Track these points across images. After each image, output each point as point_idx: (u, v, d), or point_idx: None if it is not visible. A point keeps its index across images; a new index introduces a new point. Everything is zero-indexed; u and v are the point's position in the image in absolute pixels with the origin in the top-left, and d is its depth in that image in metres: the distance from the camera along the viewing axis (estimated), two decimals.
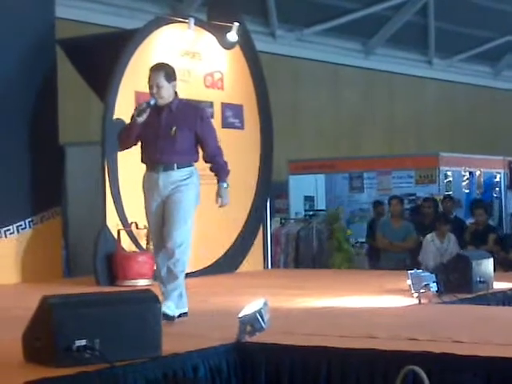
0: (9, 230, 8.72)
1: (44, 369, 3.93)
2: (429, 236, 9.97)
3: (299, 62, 16.91)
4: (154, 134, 5.90)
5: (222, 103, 9.92)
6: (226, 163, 6.15)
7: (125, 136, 6.01)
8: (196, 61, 9.66)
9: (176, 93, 6.00)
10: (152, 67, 6.05)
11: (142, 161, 6.05)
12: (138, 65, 8.78)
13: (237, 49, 10.04)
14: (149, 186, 5.95)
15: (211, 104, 9.77)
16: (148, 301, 4.37)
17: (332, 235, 11.94)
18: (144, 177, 6.04)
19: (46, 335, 4.02)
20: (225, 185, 6.10)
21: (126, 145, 6.07)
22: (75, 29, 11.00)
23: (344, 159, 14.27)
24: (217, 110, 9.85)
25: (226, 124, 9.95)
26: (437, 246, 9.84)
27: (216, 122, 9.80)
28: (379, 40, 18.10)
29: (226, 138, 9.85)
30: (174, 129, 5.89)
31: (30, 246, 8.87)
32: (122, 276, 8.34)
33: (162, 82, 5.91)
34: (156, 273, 6.16)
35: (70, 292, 5.13)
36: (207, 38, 9.77)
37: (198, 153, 6.04)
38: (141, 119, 5.85)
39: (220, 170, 6.11)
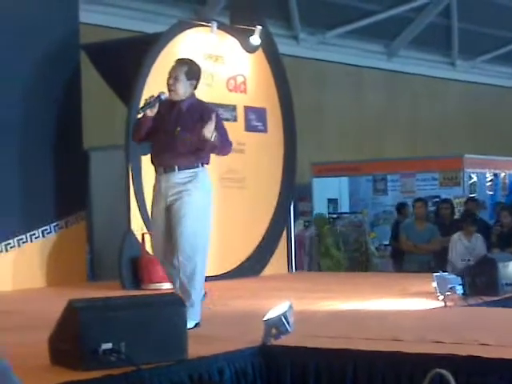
0: (34, 234, 8.77)
1: (70, 372, 3.95)
2: (456, 235, 9.91)
3: (322, 64, 16.89)
4: (161, 132, 5.73)
5: (245, 106, 9.93)
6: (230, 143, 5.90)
7: (136, 129, 5.84)
8: (219, 64, 9.67)
9: (194, 93, 5.82)
10: (178, 59, 5.92)
11: (151, 160, 5.86)
12: (161, 69, 8.78)
13: (259, 52, 10.04)
14: (155, 189, 5.80)
15: (234, 107, 9.79)
16: (174, 304, 4.37)
17: (320, 240, 11.92)
18: (155, 178, 5.87)
19: (72, 338, 4.04)
20: (213, 121, 5.61)
21: (137, 138, 5.87)
22: (99, 34, 11.05)
23: (368, 162, 14.22)
24: (240, 113, 9.86)
25: (249, 127, 9.96)
26: (465, 245, 9.78)
27: (239, 125, 9.83)
28: (402, 42, 18.05)
29: (249, 141, 9.89)
30: (178, 129, 5.70)
31: (55, 251, 8.91)
32: (146, 280, 8.36)
33: (182, 76, 5.74)
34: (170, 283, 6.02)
35: (95, 296, 5.15)
36: (230, 42, 9.79)
37: (207, 155, 5.81)
38: (149, 113, 5.65)
39: (223, 140, 5.76)
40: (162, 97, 5.70)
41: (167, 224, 5.71)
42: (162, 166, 5.72)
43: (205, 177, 5.77)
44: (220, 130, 5.80)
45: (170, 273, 5.81)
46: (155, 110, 5.69)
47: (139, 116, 5.82)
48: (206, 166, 5.81)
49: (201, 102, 5.95)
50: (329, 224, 12.34)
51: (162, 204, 5.72)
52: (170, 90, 5.75)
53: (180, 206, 5.64)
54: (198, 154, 5.73)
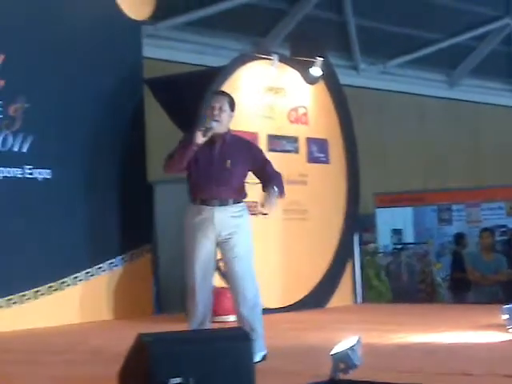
0: (101, 267, 8.85)
1: None
2: None
3: (383, 94, 16.84)
4: (207, 164, 5.64)
5: (307, 138, 9.92)
6: (277, 174, 5.77)
7: (178, 158, 5.65)
8: (280, 96, 9.70)
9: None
10: (216, 91, 5.88)
11: (190, 191, 5.74)
12: None
13: (321, 83, 10.04)
14: (200, 221, 5.64)
15: (296, 139, 9.79)
16: (241, 338, 4.35)
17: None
18: (189, 210, 5.72)
19: (142, 373, 4.04)
20: (273, 190, 5.60)
21: (176, 167, 5.70)
22: (161, 68, 11.18)
23: (432, 191, 14.08)
24: (302, 144, 9.85)
25: (311, 159, 9.94)
26: None
27: (301, 156, 9.82)
28: (464, 70, 17.92)
29: (311, 173, 9.87)
30: (229, 161, 5.64)
31: (122, 284, 8.98)
32: (218, 312, 8.35)
33: (226, 106, 5.68)
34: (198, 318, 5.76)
35: (162, 329, 5.16)
36: (291, 74, 9.81)
37: (246, 190, 5.79)
38: (203, 140, 5.55)
39: (272, 181, 5.67)
40: (214, 124, 5.61)
41: (214, 257, 5.67)
42: (217, 199, 5.63)
43: (247, 210, 5.78)
44: (268, 165, 5.79)
45: (199, 304, 5.67)
46: (206, 139, 5.61)
47: (182, 144, 5.69)
48: None
49: (238, 136, 5.95)
50: (369, 255, 12.21)
51: (213, 237, 5.64)
52: (214, 121, 5.64)
53: (237, 241, 5.64)
54: (244, 188, 5.75)
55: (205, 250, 5.63)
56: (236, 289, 5.64)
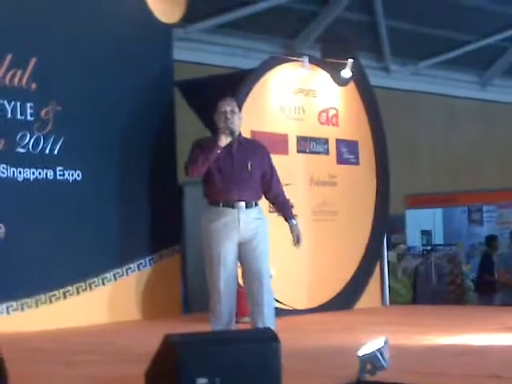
0: (130, 267, 8.91)
1: None
2: None
3: (414, 95, 16.80)
4: (228, 166, 5.75)
5: (337, 139, 9.92)
6: (288, 201, 6.10)
7: (202, 161, 5.74)
8: (310, 98, 9.70)
9: None
10: (227, 96, 5.95)
11: (210, 194, 5.82)
12: (253, 104, 8.90)
13: (351, 85, 10.03)
14: (224, 224, 5.71)
15: (326, 140, 9.79)
16: (268, 339, 4.36)
17: None
18: (210, 213, 5.79)
19: (169, 373, 4.06)
20: (295, 221, 5.98)
21: (200, 171, 5.78)
22: (191, 70, 11.25)
23: (462, 192, 14.02)
24: (332, 146, 9.85)
25: (341, 160, 9.94)
26: None
27: (331, 158, 9.82)
28: (496, 71, 17.81)
29: (341, 174, 9.87)
30: (250, 164, 5.78)
31: (150, 284, 9.03)
32: (239, 313, 8.32)
33: (236, 108, 5.82)
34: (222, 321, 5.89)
35: (190, 329, 5.19)
36: (321, 75, 9.81)
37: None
38: (226, 143, 5.70)
39: (287, 208, 6.03)
40: (233, 128, 5.75)
41: (236, 258, 5.76)
42: (241, 201, 5.72)
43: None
44: (275, 171, 5.99)
45: (224, 307, 5.79)
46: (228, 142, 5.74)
47: (204, 147, 5.80)
48: None
49: (249, 138, 6.22)
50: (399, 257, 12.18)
51: (236, 239, 5.72)
52: (230, 125, 5.75)
53: (259, 241, 5.76)
54: (261, 190, 5.89)
55: (229, 252, 5.71)
56: (256, 287, 5.72)
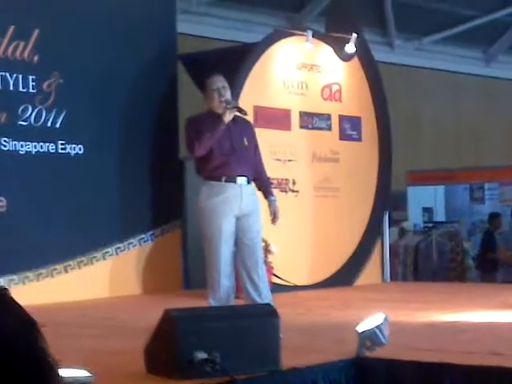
0: (131, 242, 8.91)
1: (166, 381, 3.99)
2: None
3: (418, 71, 16.71)
4: (227, 142, 5.78)
5: (340, 115, 9.88)
6: (269, 178, 6.21)
7: (209, 139, 5.75)
8: (313, 73, 9.66)
9: None
10: (209, 76, 5.98)
11: (208, 169, 5.83)
12: (256, 79, 8.86)
13: (355, 60, 9.98)
14: (225, 199, 5.72)
15: (329, 116, 9.75)
16: (268, 315, 4.38)
17: None
18: (209, 188, 5.80)
19: (169, 348, 4.08)
20: (273, 198, 6.05)
21: (205, 149, 5.78)
22: (194, 44, 11.19)
23: (465, 170, 13.98)
24: (334, 122, 9.82)
25: (343, 136, 9.91)
26: None
27: (334, 134, 9.79)
28: (500, 47, 17.70)
29: (343, 151, 9.84)
30: (245, 139, 5.86)
31: (151, 259, 9.04)
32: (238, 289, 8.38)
33: (226, 84, 5.89)
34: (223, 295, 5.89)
35: (190, 304, 5.20)
36: (325, 50, 9.76)
37: None
38: (229, 118, 5.75)
39: (268, 186, 6.13)
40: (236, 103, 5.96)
41: (234, 233, 5.79)
42: (242, 176, 5.78)
43: None
44: (259, 150, 6.09)
45: (224, 283, 5.78)
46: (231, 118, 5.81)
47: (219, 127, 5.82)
48: None
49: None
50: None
51: (237, 213, 5.75)
52: (221, 102, 5.80)
53: (257, 217, 5.84)
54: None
55: (229, 227, 5.73)
56: (252, 260, 5.79)
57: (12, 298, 1.44)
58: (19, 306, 1.44)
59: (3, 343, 1.34)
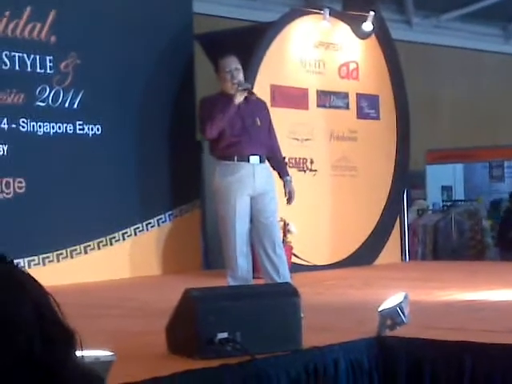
0: (150, 223, 8.93)
1: (187, 360, 4.00)
2: None
3: (436, 49, 16.58)
4: (240, 122, 5.77)
5: (357, 94, 9.84)
6: (284, 158, 6.26)
7: (221, 120, 5.73)
8: (330, 51, 9.61)
9: None
10: (222, 56, 5.98)
11: (220, 148, 5.80)
12: (273, 58, 8.83)
13: (372, 38, 9.92)
14: (239, 178, 5.71)
15: (346, 95, 9.71)
16: (288, 294, 4.37)
17: None
18: (223, 168, 5.76)
19: (189, 328, 4.09)
20: (289, 177, 6.04)
21: (218, 130, 5.76)
22: (211, 23, 11.13)
23: (484, 148, 13.90)
24: (352, 100, 9.78)
25: (361, 115, 9.87)
26: None
27: (351, 112, 9.75)
28: None
29: (361, 129, 9.81)
30: (258, 118, 5.84)
31: (170, 239, 9.06)
32: (256, 269, 8.38)
33: (239, 65, 5.88)
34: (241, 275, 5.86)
35: (210, 284, 5.21)
36: (342, 29, 9.71)
37: None
38: (240, 100, 5.75)
39: (283, 166, 6.13)
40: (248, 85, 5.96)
41: (249, 211, 5.78)
42: (255, 155, 5.77)
43: None
44: (273, 129, 6.07)
45: (242, 263, 5.78)
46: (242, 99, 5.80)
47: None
48: None
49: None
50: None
51: (251, 192, 5.73)
52: (233, 84, 5.80)
53: (273, 195, 5.82)
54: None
55: (244, 207, 5.73)
56: (270, 239, 5.77)
57: (23, 272, 1.42)
58: (32, 280, 1.42)
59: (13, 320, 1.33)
